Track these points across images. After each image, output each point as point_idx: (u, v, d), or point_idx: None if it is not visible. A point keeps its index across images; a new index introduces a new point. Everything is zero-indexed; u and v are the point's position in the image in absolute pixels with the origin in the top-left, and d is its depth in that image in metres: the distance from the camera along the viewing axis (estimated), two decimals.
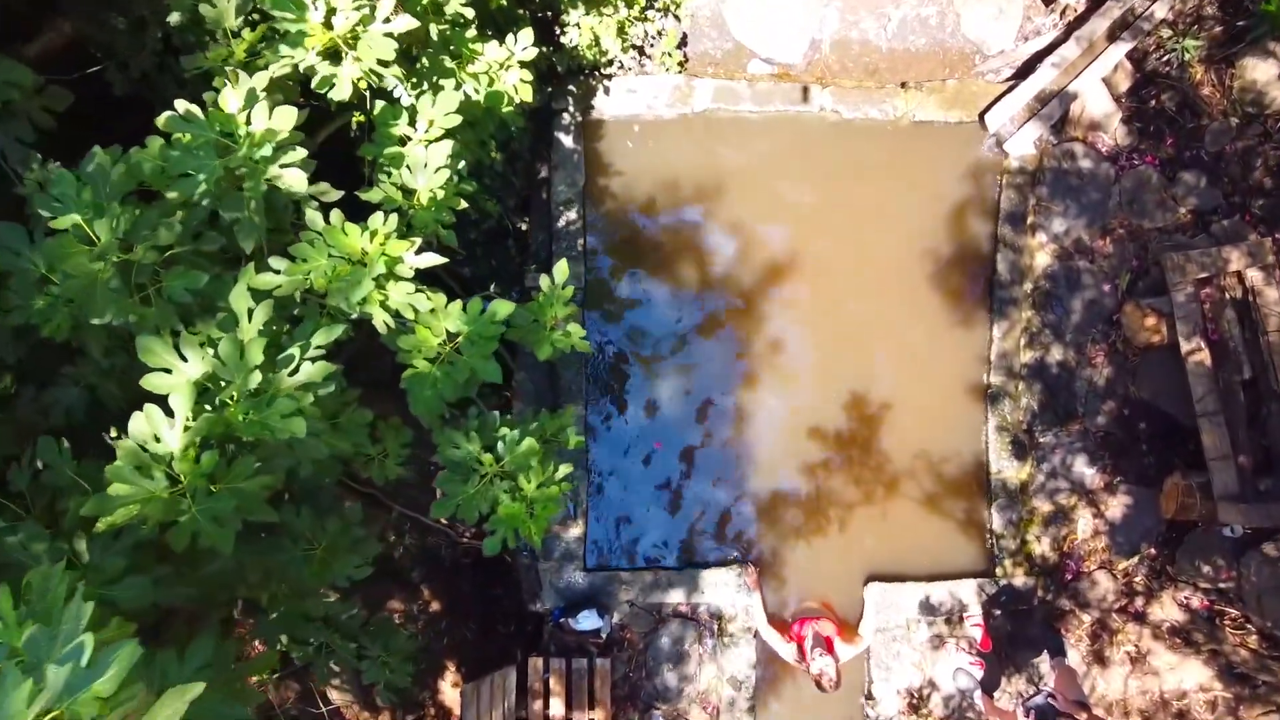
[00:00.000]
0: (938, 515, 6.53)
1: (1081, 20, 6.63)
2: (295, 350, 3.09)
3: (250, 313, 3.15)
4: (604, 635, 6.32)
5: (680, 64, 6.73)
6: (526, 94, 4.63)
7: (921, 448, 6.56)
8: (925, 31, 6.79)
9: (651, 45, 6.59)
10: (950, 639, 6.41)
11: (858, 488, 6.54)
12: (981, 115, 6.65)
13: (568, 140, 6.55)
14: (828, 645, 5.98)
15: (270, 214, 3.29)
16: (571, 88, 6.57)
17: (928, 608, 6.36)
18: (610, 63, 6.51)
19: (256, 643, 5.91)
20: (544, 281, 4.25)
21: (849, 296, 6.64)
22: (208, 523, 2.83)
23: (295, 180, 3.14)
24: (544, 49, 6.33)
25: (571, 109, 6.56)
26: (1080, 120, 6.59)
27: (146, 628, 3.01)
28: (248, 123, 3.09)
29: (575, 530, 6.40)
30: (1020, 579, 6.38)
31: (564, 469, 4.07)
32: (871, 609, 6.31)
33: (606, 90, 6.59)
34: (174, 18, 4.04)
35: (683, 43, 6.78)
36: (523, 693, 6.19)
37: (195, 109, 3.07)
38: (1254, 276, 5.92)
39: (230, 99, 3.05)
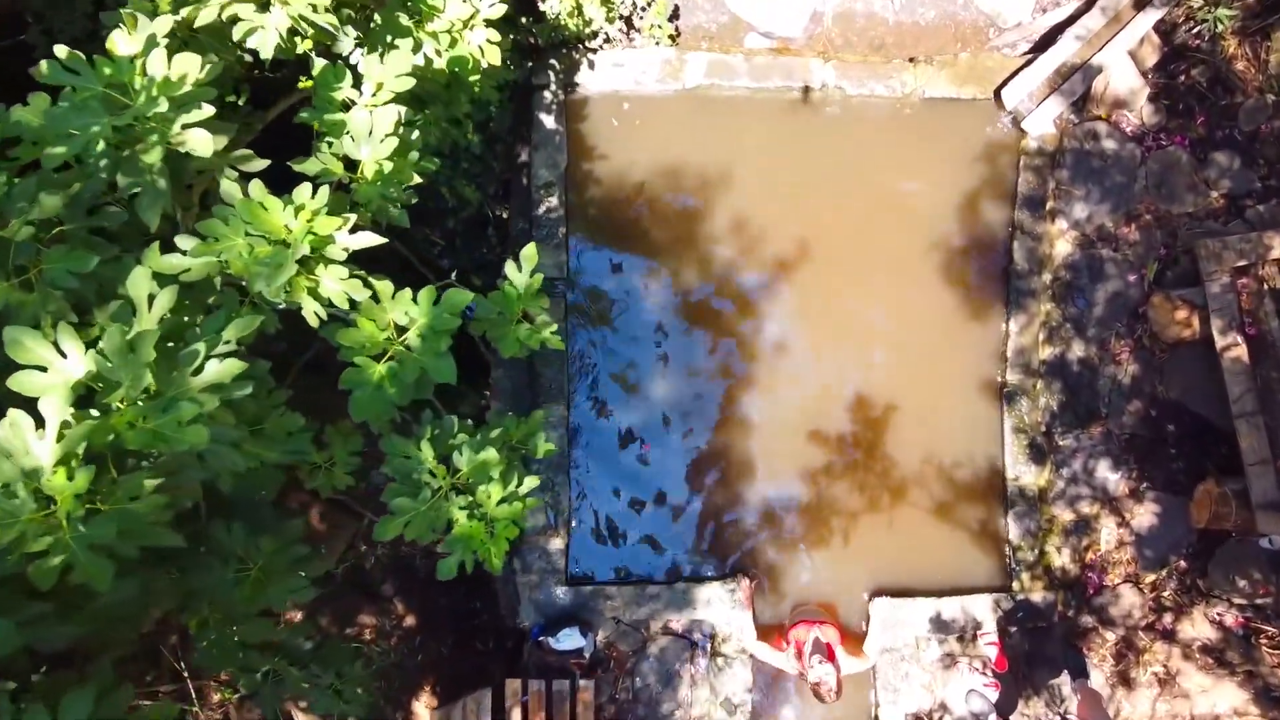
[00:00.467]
0: (949, 524, 6.04)
1: None
2: (200, 346, 2.60)
3: (152, 301, 2.66)
4: (587, 655, 5.83)
5: (671, 38, 6.23)
6: (494, 56, 4.13)
7: (931, 451, 6.06)
8: (935, 3, 6.28)
9: (640, 16, 6.09)
10: (963, 658, 5.92)
11: (862, 494, 6.04)
12: (997, 91, 6.14)
13: (549, 119, 6.05)
14: (828, 653, 5.46)
15: (177, 182, 2.80)
16: (553, 62, 6.07)
17: (939, 624, 5.87)
18: (595, 35, 6.01)
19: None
20: (510, 269, 3.76)
21: (852, 288, 6.14)
22: (83, 552, 2.35)
23: (199, 142, 2.65)
24: (524, 19, 5.85)
25: (553, 85, 6.06)
26: (1104, 97, 6.08)
27: (19, 675, 2.53)
28: (144, 73, 2.59)
29: (556, 542, 5.91)
30: (1039, 594, 5.88)
31: (530, 482, 3.58)
32: (877, 625, 5.82)
33: (591, 65, 6.09)
34: None
35: (674, 15, 6.28)
36: (499, 716, 5.70)
37: (79, 59, 2.58)
38: None
39: (121, 43, 2.56)
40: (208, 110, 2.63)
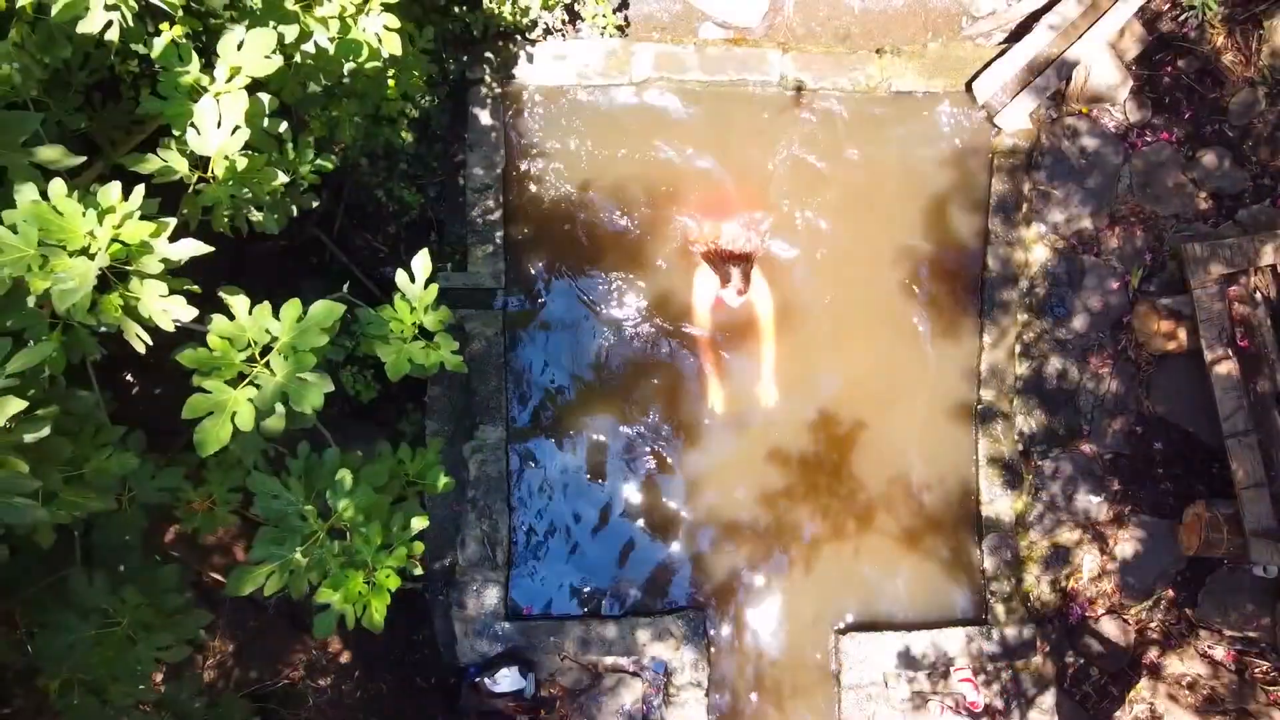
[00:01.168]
0: (918, 553, 5.59)
1: None
2: None
3: None
4: (527, 696, 5.37)
5: (619, 28, 5.79)
6: (392, 46, 3.67)
7: (900, 474, 5.61)
8: None
9: (583, 4, 5.65)
10: (934, 697, 5.46)
11: (825, 520, 5.59)
12: (969, 84, 5.71)
13: (484, 115, 5.60)
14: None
15: None
16: (489, 54, 5.62)
17: (908, 661, 5.42)
18: (534, 25, 5.57)
19: None
20: (401, 279, 3.31)
21: (815, 299, 5.69)
22: None
23: None
24: (458, 7, 5.41)
25: (489, 79, 5.61)
26: (1083, 91, 5.65)
27: None
28: None
29: (495, 574, 5.45)
30: (1015, 627, 5.43)
31: (418, 522, 3.12)
32: (845, 659, 5.37)
33: (530, 57, 5.64)
34: None
35: (623, 4, 5.85)
36: None
37: None
38: None
39: None
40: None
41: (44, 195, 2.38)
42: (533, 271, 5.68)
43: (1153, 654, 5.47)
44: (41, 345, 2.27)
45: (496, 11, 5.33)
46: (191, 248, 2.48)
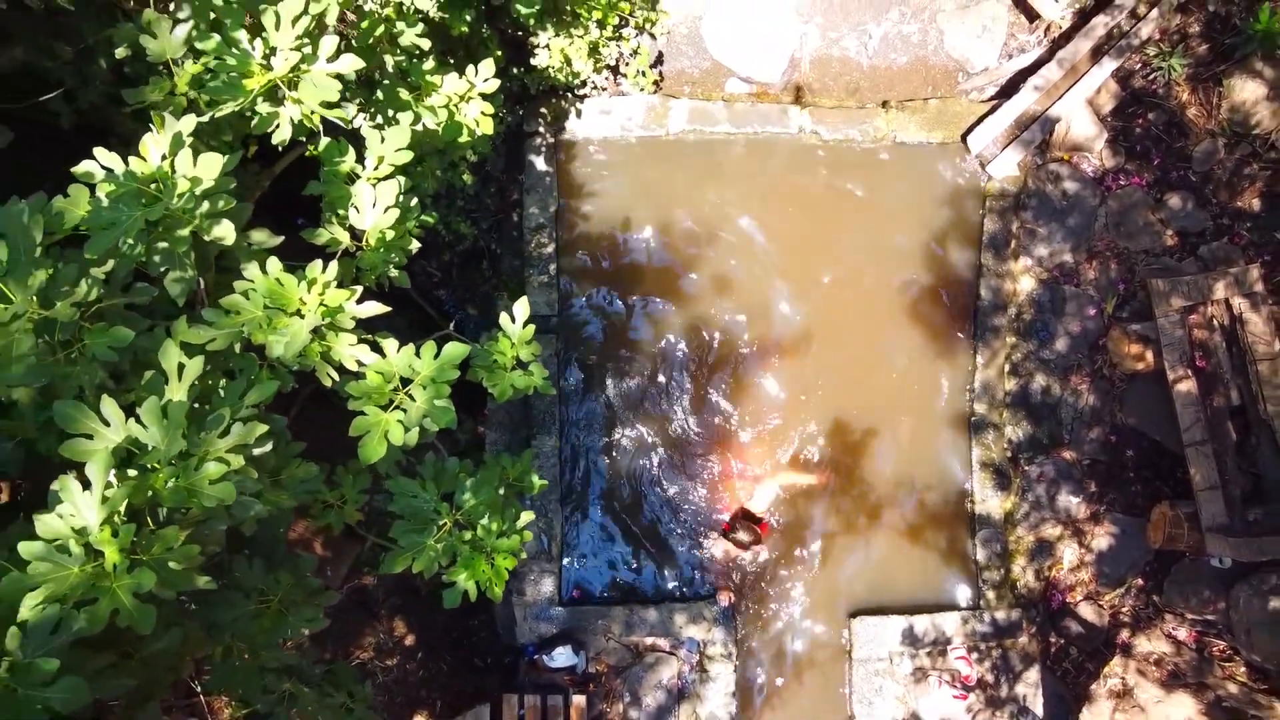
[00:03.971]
0: (920, 545, 6.38)
1: (1066, 38, 6.49)
2: (226, 411, 2.93)
3: (181, 369, 2.99)
4: (579, 671, 6.16)
5: (655, 83, 6.58)
6: (487, 127, 4.46)
7: (904, 477, 6.41)
8: (907, 49, 6.65)
9: (626, 64, 6.43)
10: (933, 672, 6.26)
11: (839, 517, 6.38)
12: (964, 136, 6.50)
13: (540, 162, 6.39)
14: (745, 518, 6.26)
15: (202, 262, 3.13)
16: (544, 110, 6.41)
17: (910, 640, 6.21)
18: (583, 84, 6.36)
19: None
20: (504, 320, 4.09)
21: (831, 324, 6.48)
22: (129, 599, 2.67)
23: (224, 231, 2.98)
24: (516, 69, 6.18)
25: (544, 130, 6.40)
26: (1064, 141, 6.44)
27: None
28: (172, 170, 2.92)
29: (550, 564, 6.24)
30: (1004, 611, 6.23)
31: (526, 516, 3.91)
32: (857, 641, 6.16)
33: (579, 112, 6.43)
34: (120, 50, 3.88)
35: (658, 61, 6.63)
36: None
37: (114, 159, 2.91)
38: (1240, 304, 5.78)
39: (152, 147, 2.89)
40: (231, 201, 2.96)
41: (263, 269, 3.17)
42: (582, 301, 6.47)
43: (1124, 635, 6.25)
44: (268, 383, 3.05)
45: (553, 74, 6.11)
46: (374, 308, 3.26)
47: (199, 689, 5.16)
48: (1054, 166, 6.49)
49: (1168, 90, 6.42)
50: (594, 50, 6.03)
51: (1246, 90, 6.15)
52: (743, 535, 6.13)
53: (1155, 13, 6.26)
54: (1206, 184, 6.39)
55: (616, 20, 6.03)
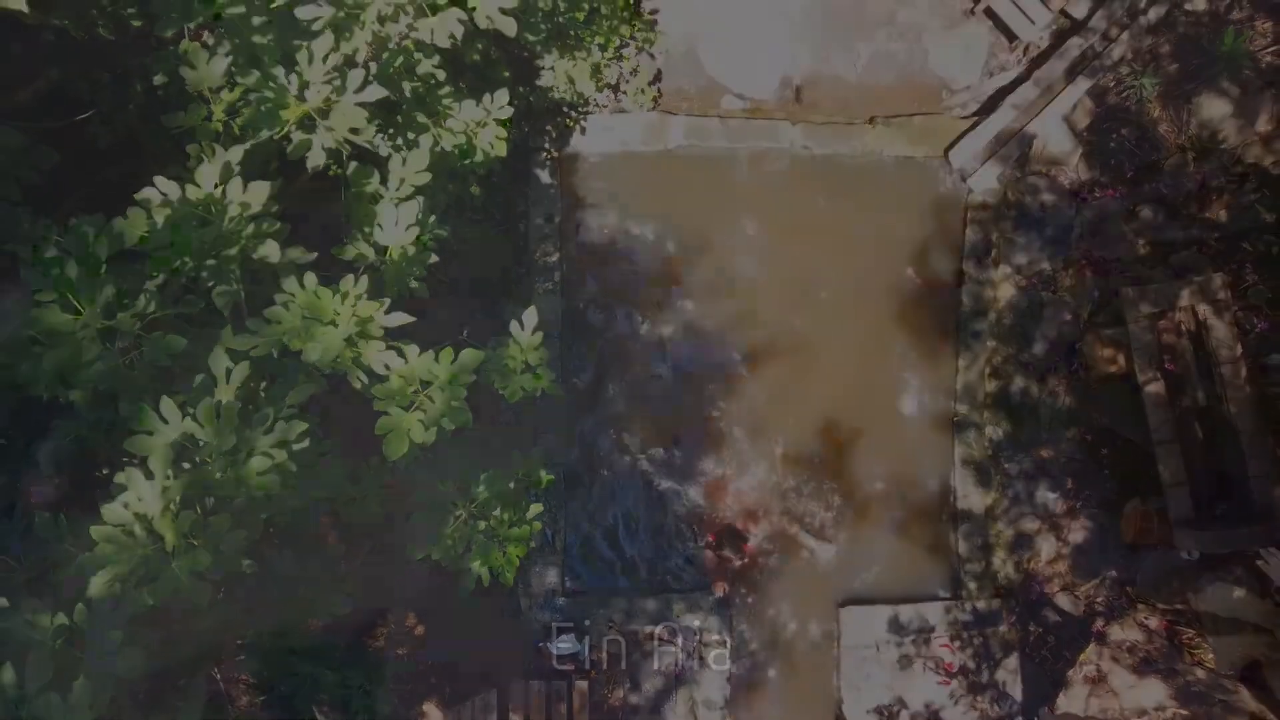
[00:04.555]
0: (906, 539, 6.73)
1: (1044, 58, 6.83)
2: (270, 410, 3.27)
3: (229, 373, 3.33)
4: (583, 658, 6.50)
5: (654, 100, 6.92)
6: (501, 150, 4.79)
7: (891, 474, 6.75)
8: (894, 67, 6.99)
9: (626, 83, 6.78)
10: (918, 658, 6.60)
11: (829, 512, 6.72)
12: (946, 151, 6.85)
13: (545, 176, 6.74)
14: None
15: (247, 277, 3.47)
16: (548, 126, 6.75)
17: (896, 628, 6.55)
18: (586, 102, 6.70)
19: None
20: (514, 328, 4.43)
21: (821, 329, 6.82)
22: (186, 577, 3.01)
23: (269, 250, 3.32)
24: (521, 88, 6.51)
25: (548, 146, 6.75)
26: (1042, 155, 6.79)
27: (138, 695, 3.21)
28: (223, 197, 3.27)
29: (554, 557, 6.58)
30: (985, 601, 6.57)
31: (535, 508, 4.26)
32: (846, 629, 6.50)
33: (582, 129, 6.78)
34: (158, 78, 4.21)
35: (657, 79, 6.97)
36: (503, 715, 6.36)
37: (172, 186, 3.25)
38: (1205, 310, 6.12)
39: (206, 175, 3.23)
40: (277, 224, 3.30)
41: (300, 283, 3.51)
42: (585, 307, 6.81)
43: (1099, 623, 6.59)
44: (306, 385, 3.40)
45: (557, 93, 6.45)
46: (401, 319, 3.61)
47: (218, 675, 5.49)
48: (1032, 179, 6.84)
49: (1140, 107, 6.76)
50: (596, 71, 6.38)
51: (1214, 108, 6.50)
52: (727, 552, 6.53)
53: (1126, 35, 6.61)
54: (1176, 196, 6.73)
55: (618, 43, 6.38)
